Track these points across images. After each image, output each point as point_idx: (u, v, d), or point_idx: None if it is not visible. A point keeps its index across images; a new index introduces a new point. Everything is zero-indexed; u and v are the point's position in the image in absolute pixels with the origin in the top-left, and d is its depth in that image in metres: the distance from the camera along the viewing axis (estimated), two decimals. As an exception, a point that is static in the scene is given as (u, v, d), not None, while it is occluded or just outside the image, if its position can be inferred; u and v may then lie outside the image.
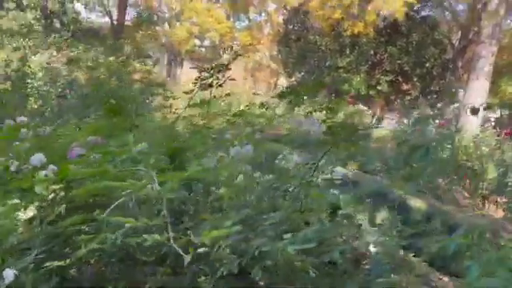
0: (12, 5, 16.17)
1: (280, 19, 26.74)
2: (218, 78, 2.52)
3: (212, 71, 2.40)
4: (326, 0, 13.39)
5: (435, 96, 21.75)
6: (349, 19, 14.11)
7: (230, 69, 2.52)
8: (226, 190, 1.81)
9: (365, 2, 13.53)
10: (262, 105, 3.12)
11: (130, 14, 34.94)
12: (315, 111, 2.18)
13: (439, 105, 20.10)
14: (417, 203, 4.25)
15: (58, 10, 17.29)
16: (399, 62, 20.09)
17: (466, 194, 5.56)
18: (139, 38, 34.73)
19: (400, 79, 21.21)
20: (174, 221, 1.47)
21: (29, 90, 5.97)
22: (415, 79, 20.72)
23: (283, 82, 27.15)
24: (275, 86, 25.60)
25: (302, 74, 22.94)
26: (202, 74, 2.41)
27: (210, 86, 2.45)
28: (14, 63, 8.86)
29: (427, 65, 20.55)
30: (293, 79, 22.91)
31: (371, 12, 13.34)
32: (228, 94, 2.97)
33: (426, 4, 20.63)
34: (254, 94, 12.00)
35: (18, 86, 5.54)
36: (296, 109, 2.70)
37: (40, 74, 6.56)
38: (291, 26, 23.66)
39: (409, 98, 21.31)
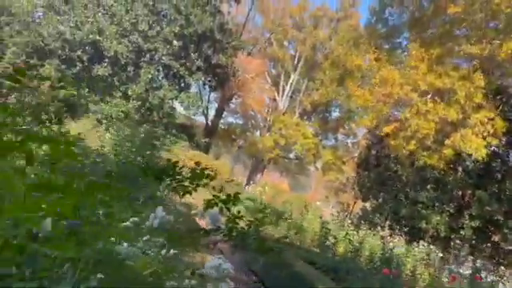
0: (119, 94, 18.50)
1: (364, 143, 26.58)
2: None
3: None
4: (398, 130, 12.93)
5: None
6: (424, 150, 13.34)
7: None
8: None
9: (442, 135, 12.79)
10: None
11: (226, 118, 37.95)
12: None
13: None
14: None
15: (156, 103, 19.26)
16: (488, 208, 18.08)
17: None
18: (229, 142, 37.09)
19: (490, 228, 18.90)
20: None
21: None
22: (506, 231, 18.24)
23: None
24: (348, 207, 24.47)
25: (380, 201, 21.80)
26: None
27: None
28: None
29: (522, 217, 18.14)
30: (367, 204, 21.79)
31: (448, 147, 12.49)
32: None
33: (526, 152, 18.97)
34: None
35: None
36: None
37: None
38: (374, 152, 23.20)
39: (500, 250, 18.70)
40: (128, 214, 2.45)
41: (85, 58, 17.96)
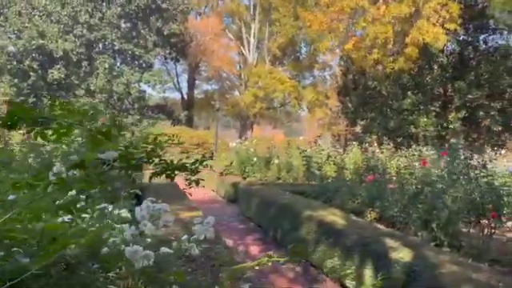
0: (81, 91, 18.04)
1: (339, 70, 26.37)
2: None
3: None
4: (358, 42, 12.68)
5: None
6: (388, 56, 13.17)
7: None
8: None
9: (401, 36, 12.57)
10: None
11: (201, 87, 37.37)
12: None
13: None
14: (399, 255, 3.29)
15: (122, 91, 18.83)
16: (470, 96, 18.19)
17: None
18: (211, 109, 36.67)
19: (478, 114, 19.09)
20: None
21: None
22: (493, 113, 18.44)
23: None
24: (340, 136, 24.61)
25: (367, 120, 21.87)
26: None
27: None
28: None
29: (505, 95, 18.30)
30: (355, 128, 21.87)
31: (410, 45, 12.30)
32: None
33: (493, 33, 18.83)
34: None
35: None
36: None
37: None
38: (351, 76, 23.01)
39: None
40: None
41: (36, 66, 17.35)
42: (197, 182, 2.23)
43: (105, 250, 2.20)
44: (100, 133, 1.85)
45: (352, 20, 13.25)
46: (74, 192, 2.55)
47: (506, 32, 19.11)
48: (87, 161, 1.87)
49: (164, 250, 2.39)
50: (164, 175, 2.19)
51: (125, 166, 1.92)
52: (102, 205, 2.83)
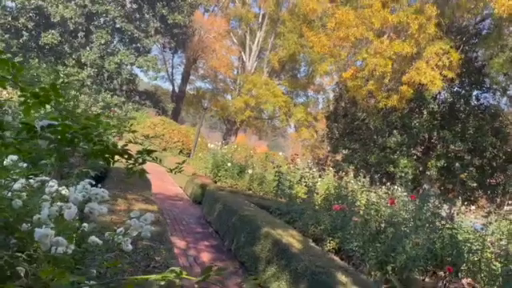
0: (72, 61, 17.56)
1: (333, 95, 26.50)
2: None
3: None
4: (356, 72, 12.71)
5: (498, 190, 19.41)
6: (382, 91, 13.24)
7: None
8: None
9: (399, 74, 12.65)
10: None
11: (194, 84, 37.10)
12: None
13: (498, 200, 17.87)
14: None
15: (113, 70, 18.39)
16: (453, 147, 18.42)
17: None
18: (200, 107, 36.39)
19: (456, 167, 19.32)
20: None
21: None
22: (471, 168, 18.69)
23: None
24: (320, 159, 24.62)
25: (349, 150, 21.94)
26: None
27: None
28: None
29: (486, 154, 18.59)
30: (337, 156, 21.92)
31: (405, 84, 12.38)
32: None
33: (487, 91, 19.19)
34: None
35: None
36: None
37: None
38: (343, 103, 23.14)
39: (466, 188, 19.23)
40: None
41: (30, 26, 16.85)
42: (141, 174, 2.02)
43: (24, 226, 1.98)
44: (34, 95, 1.65)
45: (354, 49, 13.28)
46: (14, 157, 2.34)
47: (498, 93, 19.53)
48: (22, 125, 1.66)
49: (92, 239, 2.19)
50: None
51: (56, 138, 1.71)
52: (41, 178, 2.61)
